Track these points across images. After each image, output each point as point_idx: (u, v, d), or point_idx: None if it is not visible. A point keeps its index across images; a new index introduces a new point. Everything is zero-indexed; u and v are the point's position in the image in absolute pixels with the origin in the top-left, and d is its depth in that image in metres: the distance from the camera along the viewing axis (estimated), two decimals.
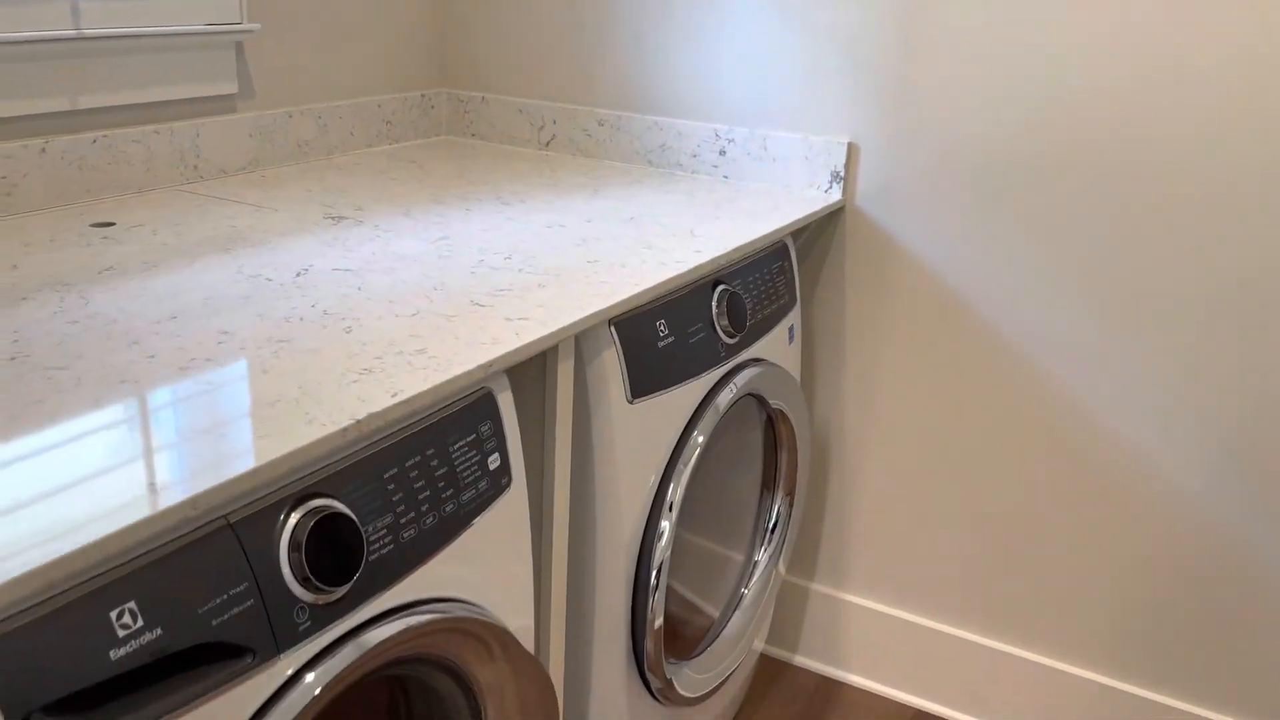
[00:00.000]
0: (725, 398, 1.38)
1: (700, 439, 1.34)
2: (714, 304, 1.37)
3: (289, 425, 0.80)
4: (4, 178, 1.31)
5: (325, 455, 0.83)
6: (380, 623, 0.86)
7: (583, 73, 1.86)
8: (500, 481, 1.01)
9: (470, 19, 1.94)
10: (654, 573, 1.31)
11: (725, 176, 1.76)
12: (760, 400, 1.51)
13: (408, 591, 0.90)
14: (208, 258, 1.19)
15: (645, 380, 1.24)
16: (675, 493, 1.31)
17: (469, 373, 0.93)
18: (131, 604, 0.68)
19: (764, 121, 1.72)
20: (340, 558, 0.81)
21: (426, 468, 0.91)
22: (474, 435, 0.97)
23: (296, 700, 0.78)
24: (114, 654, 0.67)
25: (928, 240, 1.65)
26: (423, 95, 1.93)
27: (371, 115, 1.83)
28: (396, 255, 1.24)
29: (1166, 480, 1.58)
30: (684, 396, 1.33)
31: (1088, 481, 1.64)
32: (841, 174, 1.67)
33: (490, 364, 0.95)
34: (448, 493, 0.94)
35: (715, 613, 1.61)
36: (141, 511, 0.68)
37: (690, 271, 1.26)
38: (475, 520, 0.97)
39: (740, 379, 1.41)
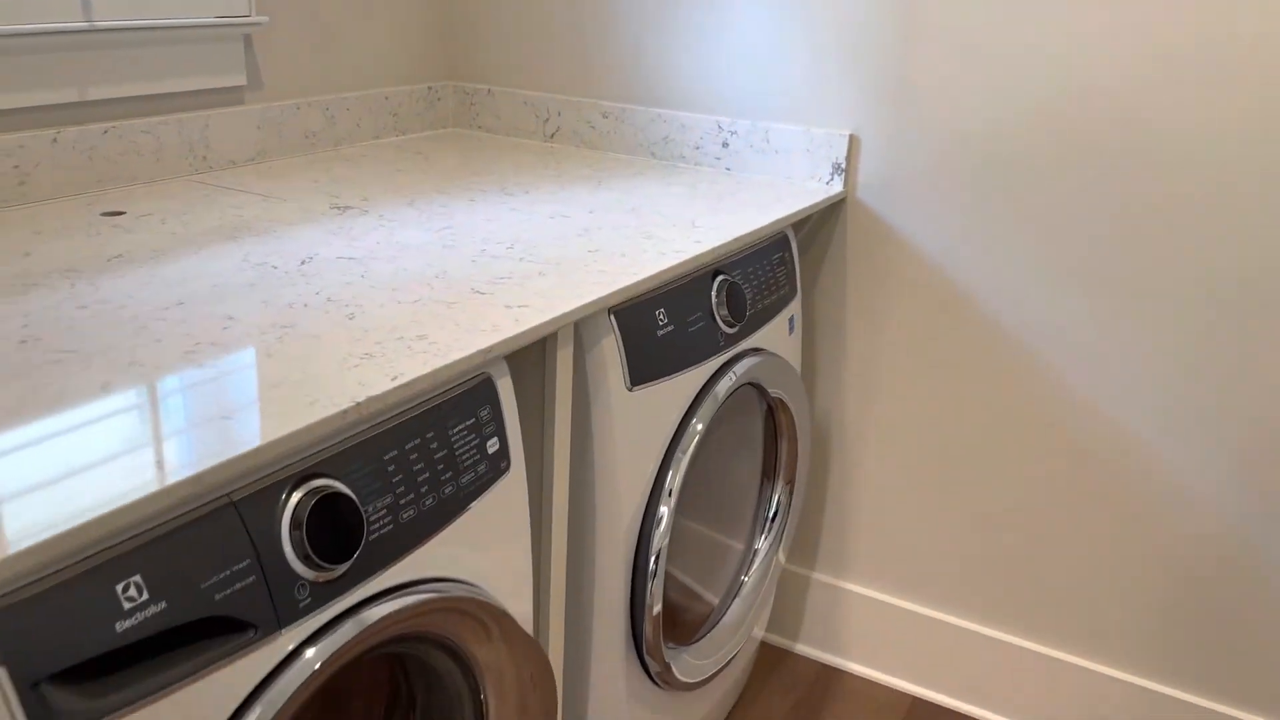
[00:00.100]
0: (724, 386, 1.40)
1: (699, 427, 1.36)
2: (714, 294, 1.39)
3: (291, 407, 0.82)
4: (16, 167, 1.33)
5: (326, 436, 0.85)
6: (380, 601, 0.88)
7: (587, 66, 1.87)
8: (499, 465, 1.03)
9: (476, 13, 1.96)
10: (653, 558, 1.33)
11: (728, 168, 1.78)
12: (760, 390, 1.53)
13: (407, 571, 0.92)
14: (215, 246, 1.22)
15: (644, 368, 1.26)
16: (674, 479, 1.33)
17: (468, 358, 0.95)
18: (137, 578, 0.70)
19: (766, 114, 1.74)
20: (340, 536, 0.83)
21: (426, 450, 0.93)
22: (473, 419, 0.99)
23: (297, 674, 0.80)
24: (120, 626, 0.69)
25: (928, 232, 1.67)
26: (429, 88, 1.95)
27: (378, 107, 1.85)
28: (400, 244, 1.26)
29: (1165, 469, 1.59)
30: (683, 384, 1.34)
31: (1087, 473, 1.65)
32: (843, 166, 1.68)
33: (489, 350, 0.97)
34: (447, 475, 0.96)
35: (715, 600, 1.63)
36: (148, 488, 0.70)
37: (689, 261, 1.28)
38: (474, 502, 0.99)
39: (740, 368, 1.43)
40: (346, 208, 1.41)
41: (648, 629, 1.36)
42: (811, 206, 1.60)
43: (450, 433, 0.96)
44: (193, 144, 1.54)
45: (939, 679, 1.87)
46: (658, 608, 1.36)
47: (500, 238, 1.31)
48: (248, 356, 0.92)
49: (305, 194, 1.47)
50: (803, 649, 1.99)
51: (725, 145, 1.77)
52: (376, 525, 0.88)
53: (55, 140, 1.37)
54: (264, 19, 1.59)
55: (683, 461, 1.34)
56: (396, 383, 0.88)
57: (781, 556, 1.71)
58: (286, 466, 0.82)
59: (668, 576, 1.48)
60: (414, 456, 0.92)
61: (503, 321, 1.03)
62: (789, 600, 1.98)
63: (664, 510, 1.33)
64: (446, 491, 0.96)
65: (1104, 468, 1.64)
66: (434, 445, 0.94)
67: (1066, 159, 1.54)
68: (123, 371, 0.87)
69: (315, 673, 0.82)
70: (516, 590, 1.10)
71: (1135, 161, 1.50)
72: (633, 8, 1.80)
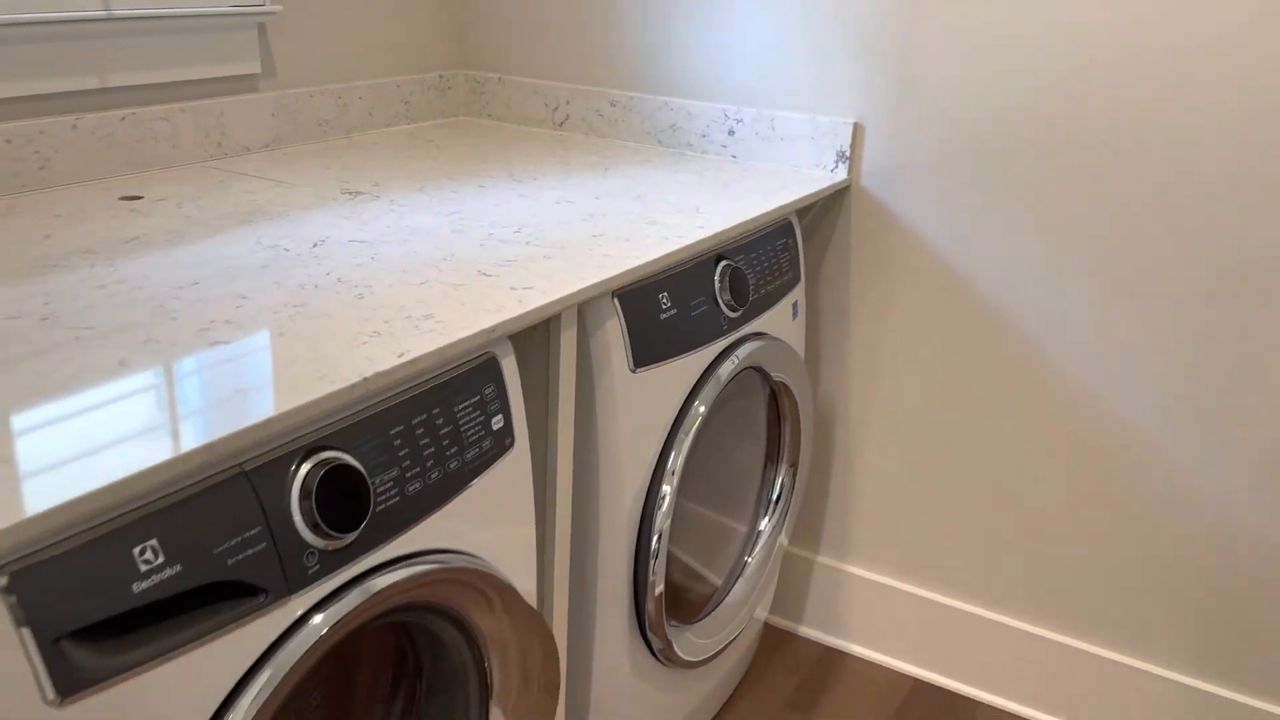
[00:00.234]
0: (727, 370, 1.42)
1: (702, 409, 1.38)
2: (716, 278, 1.41)
3: (301, 382, 0.85)
4: (37, 152, 1.37)
5: (335, 410, 0.88)
6: (386, 570, 0.91)
7: (596, 54, 1.90)
8: (504, 442, 1.06)
9: (487, 3, 1.99)
10: (655, 538, 1.36)
11: (734, 156, 1.80)
12: (763, 374, 1.55)
13: (413, 542, 0.95)
14: (229, 230, 1.25)
15: (647, 350, 1.29)
16: (676, 460, 1.36)
17: (472, 336, 0.98)
18: (153, 541, 0.74)
19: (772, 102, 1.76)
20: (348, 507, 0.87)
21: (432, 425, 0.96)
22: (478, 396, 1.02)
23: (305, 638, 0.84)
24: (136, 587, 0.72)
25: (931, 220, 1.69)
26: (440, 76, 1.98)
27: (390, 95, 1.88)
28: (410, 228, 1.29)
29: (1165, 459, 1.61)
30: (686, 367, 1.37)
31: (1087, 458, 1.67)
32: (847, 154, 1.70)
33: (493, 329, 1.00)
34: (452, 450, 0.99)
35: (719, 581, 1.66)
36: (163, 456, 0.73)
37: (692, 245, 1.31)
38: (479, 478, 1.02)
39: (742, 352, 1.45)
40: (358, 193, 1.44)
41: (650, 607, 1.39)
42: (816, 194, 1.62)
43: (456, 409, 0.99)
44: (208, 130, 1.57)
45: (940, 662, 1.89)
46: (660, 586, 1.39)
47: (507, 222, 1.34)
48: (260, 334, 0.95)
49: (318, 180, 1.50)
50: (806, 631, 2.01)
51: (731, 133, 1.79)
52: (383, 497, 0.91)
53: (75, 126, 1.40)
54: (278, 8, 1.62)
55: (685, 443, 1.37)
56: (403, 359, 0.91)
57: (784, 539, 1.74)
58: (297, 438, 0.85)
59: (672, 557, 1.51)
60: (420, 431, 0.95)
61: (507, 302, 1.06)
62: (792, 583, 2.01)
63: (666, 490, 1.35)
64: (451, 466, 0.99)
65: (1104, 454, 1.65)
66: (439, 421, 0.97)
67: (1070, 149, 1.55)
68: (139, 349, 0.91)
69: (323, 638, 0.85)
70: (521, 565, 1.13)
71: (1138, 148, 1.51)
72: None
